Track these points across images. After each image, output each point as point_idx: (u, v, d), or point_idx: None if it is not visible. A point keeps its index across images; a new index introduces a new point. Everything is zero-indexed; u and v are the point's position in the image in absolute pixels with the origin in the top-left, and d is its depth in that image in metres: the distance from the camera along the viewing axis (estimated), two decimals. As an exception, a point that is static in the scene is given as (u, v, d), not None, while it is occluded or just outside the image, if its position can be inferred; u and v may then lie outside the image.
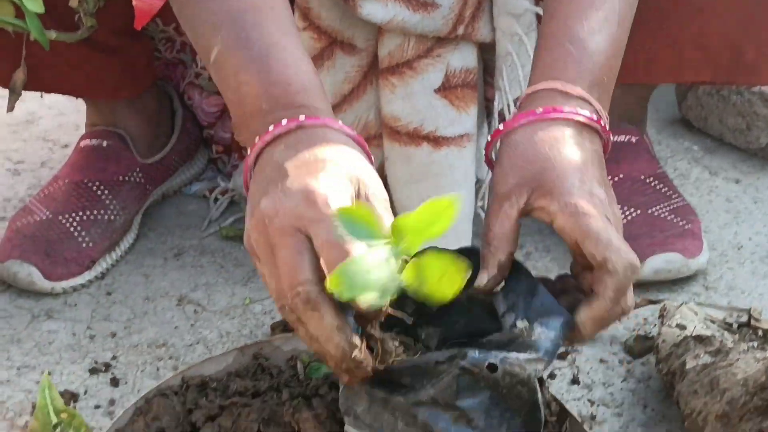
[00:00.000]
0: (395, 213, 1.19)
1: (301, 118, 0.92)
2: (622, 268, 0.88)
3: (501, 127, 0.97)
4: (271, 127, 0.91)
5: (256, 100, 0.94)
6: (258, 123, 0.94)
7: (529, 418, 0.92)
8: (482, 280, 0.93)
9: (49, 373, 1.10)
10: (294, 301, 0.84)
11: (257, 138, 0.92)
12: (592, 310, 0.90)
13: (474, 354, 0.89)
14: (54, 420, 0.97)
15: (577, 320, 0.90)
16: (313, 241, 0.84)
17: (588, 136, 0.97)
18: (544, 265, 1.42)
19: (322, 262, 0.84)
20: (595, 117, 0.97)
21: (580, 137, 0.96)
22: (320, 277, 0.84)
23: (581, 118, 0.96)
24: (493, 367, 0.89)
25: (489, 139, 1.00)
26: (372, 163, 0.93)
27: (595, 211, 0.90)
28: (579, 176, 0.93)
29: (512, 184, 0.94)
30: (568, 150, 0.94)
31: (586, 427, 1.03)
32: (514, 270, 0.97)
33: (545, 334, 0.92)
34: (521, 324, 0.93)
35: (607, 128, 0.99)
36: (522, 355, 0.90)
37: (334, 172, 0.87)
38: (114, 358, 1.26)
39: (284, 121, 0.91)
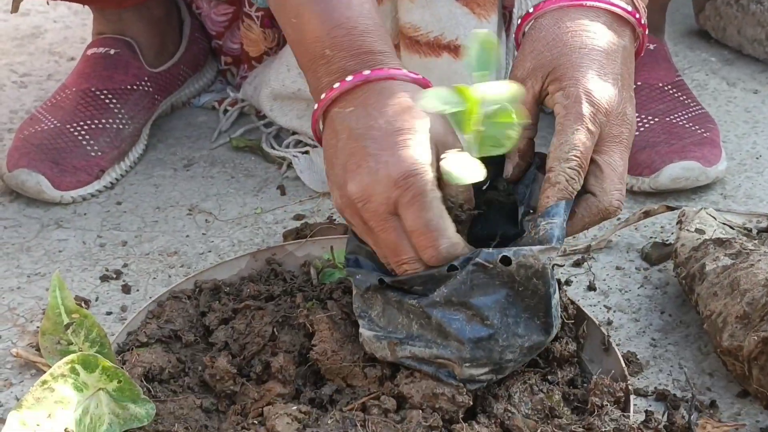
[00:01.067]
0: None
1: (366, 72, 0.91)
2: (557, 187, 0.90)
3: (531, 10, 0.95)
4: (336, 84, 0.91)
5: (318, 44, 0.94)
6: (322, 70, 0.93)
7: (546, 318, 0.91)
8: (507, 170, 0.95)
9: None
10: (406, 270, 0.90)
11: (323, 94, 0.92)
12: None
13: (487, 250, 0.88)
14: (65, 320, 0.96)
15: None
16: (404, 222, 0.88)
17: (619, 30, 0.94)
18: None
19: (414, 242, 0.88)
20: (630, 8, 0.94)
21: (609, 29, 0.93)
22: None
23: (616, 9, 0.93)
24: (507, 261, 0.88)
25: (519, 22, 0.98)
26: None
27: (589, 115, 0.89)
28: (595, 68, 0.91)
29: (528, 68, 0.93)
30: (592, 40, 0.91)
31: (603, 331, 1.02)
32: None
33: (551, 223, 0.90)
34: (528, 219, 0.92)
35: (644, 22, 0.96)
36: (535, 247, 0.88)
37: (415, 146, 0.88)
38: (125, 266, 1.24)
39: (349, 78, 0.91)
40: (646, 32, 0.97)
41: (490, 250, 0.88)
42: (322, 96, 0.93)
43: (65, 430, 0.85)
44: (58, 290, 0.96)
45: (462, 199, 0.91)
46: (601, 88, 0.91)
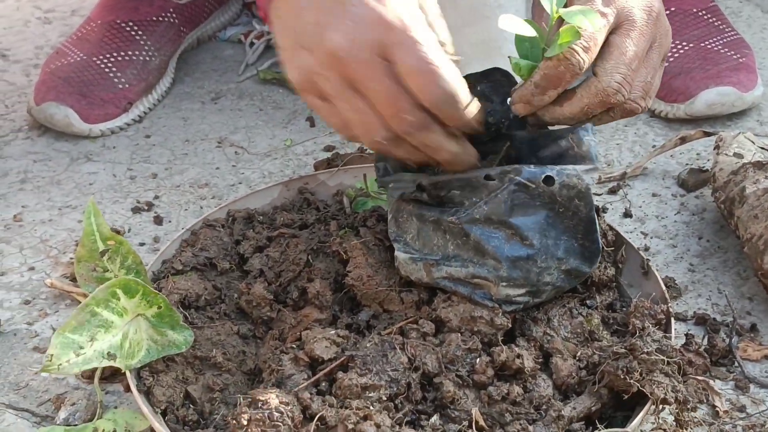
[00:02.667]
0: None
1: None
2: (554, 62, 0.84)
3: None
4: None
5: None
6: None
7: (587, 242, 0.89)
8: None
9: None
10: (404, 128, 0.83)
11: None
12: (518, 90, 0.87)
13: (530, 168, 0.87)
14: (101, 246, 0.96)
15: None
16: (397, 66, 0.81)
17: None
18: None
19: (411, 86, 0.81)
20: None
21: None
22: (416, 100, 0.82)
23: None
24: (549, 180, 0.86)
25: None
26: None
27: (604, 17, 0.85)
28: None
29: None
30: None
31: (642, 255, 1.00)
32: None
33: (593, 140, 0.89)
34: (570, 135, 0.90)
35: None
36: (579, 166, 0.87)
37: (364, 20, 0.81)
38: (156, 197, 1.24)
39: None
40: None
41: (533, 168, 0.87)
42: None
43: (108, 353, 0.85)
44: (93, 217, 0.95)
45: (445, 37, 0.86)
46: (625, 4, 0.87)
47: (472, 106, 0.84)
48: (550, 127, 0.93)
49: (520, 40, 0.87)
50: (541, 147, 0.92)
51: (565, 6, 0.85)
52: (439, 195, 0.89)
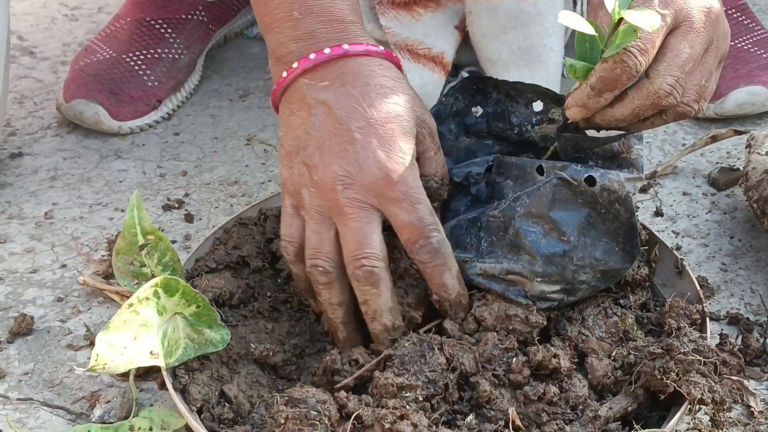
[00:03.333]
0: (482, 67, 1.17)
1: (345, 46, 0.88)
2: (610, 62, 0.84)
3: None
4: (312, 56, 0.88)
5: (285, 4, 0.89)
6: (287, 33, 0.89)
7: (627, 245, 0.89)
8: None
9: (122, 210, 1.07)
10: (356, 271, 0.86)
11: (294, 62, 0.88)
12: (574, 93, 0.87)
13: (575, 167, 0.87)
14: (141, 240, 0.96)
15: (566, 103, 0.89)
16: (392, 221, 0.86)
17: None
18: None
19: (403, 240, 0.86)
20: None
21: None
22: (386, 255, 0.87)
23: None
24: (591, 181, 0.86)
25: None
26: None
27: None
28: None
29: None
30: None
31: (676, 254, 1.00)
32: None
33: (642, 149, 0.89)
34: (622, 140, 0.90)
35: None
36: (623, 173, 0.87)
37: (401, 132, 0.86)
38: (187, 195, 1.24)
39: (327, 50, 0.87)
40: None
41: (578, 167, 0.87)
42: (294, 65, 0.88)
43: (150, 353, 0.85)
44: (136, 209, 0.96)
45: (441, 174, 0.91)
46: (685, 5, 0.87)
47: (456, 276, 0.89)
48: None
49: (580, 40, 0.86)
50: (592, 147, 0.92)
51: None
52: (497, 181, 0.91)
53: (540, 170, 0.88)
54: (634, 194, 1.19)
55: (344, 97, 0.87)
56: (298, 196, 0.89)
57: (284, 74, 0.89)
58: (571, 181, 0.86)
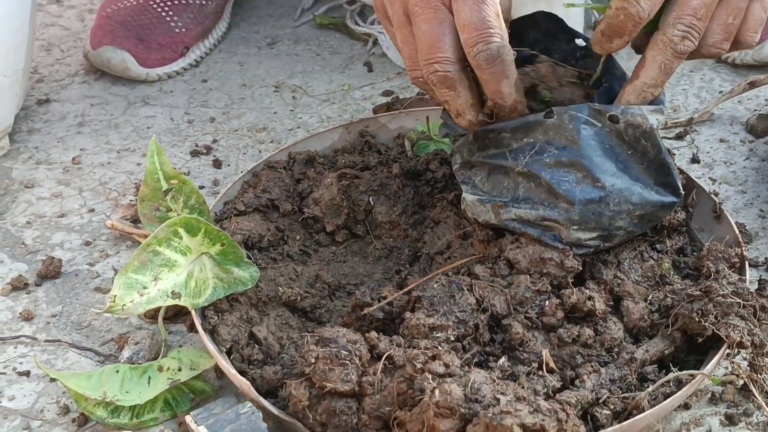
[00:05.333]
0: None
1: None
2: (614, 7, 0.82)
3: None
4: None
5: None
6: None
7: (662, 184, 0.87)
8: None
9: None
10: (430, 77, 0.83)
11: None
12: (597, 29, 0.85)
13: (594, 106, 0.85)
14: (164, 185, 0.95)
15: None
16: (455, 17, 0.82)
17: None
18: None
19: (462, 39, 0.82)
20: None
21: None
22: (458, 56, 0.83)
23: None
24: (614, 119, 0.84)
25: None
26: None
27: None
28: None
29: None
30: None
31: (714, 198, 0.98)
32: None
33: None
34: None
35: None
36: (644, 106, 0.85)
37: None
38: (215, 141, 1.23)
39: None
40: None
41: (597, 105, 0.85)
42: None
43: (172, 292, 0.84)
44: (156, 155, 0.94)
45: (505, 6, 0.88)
46: None
47: (513, 85, 0.84)
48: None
49: None
50: (615, 90, 0.90)
51: None
52: (488, 137, 0.88)
53: (548, 115, 0.85)
54: (662, 133, 1.17)
55: None
56: (384, 8, 0.87)
57: None
58: (594, 122, 0.84)
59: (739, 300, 0.83)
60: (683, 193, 0.89)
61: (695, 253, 0.94)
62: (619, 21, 0.82)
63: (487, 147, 0.89)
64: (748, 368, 0.86)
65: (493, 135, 0.88)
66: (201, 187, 1.15)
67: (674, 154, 1.15)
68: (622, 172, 0.86)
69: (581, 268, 0.88)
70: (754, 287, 0.93)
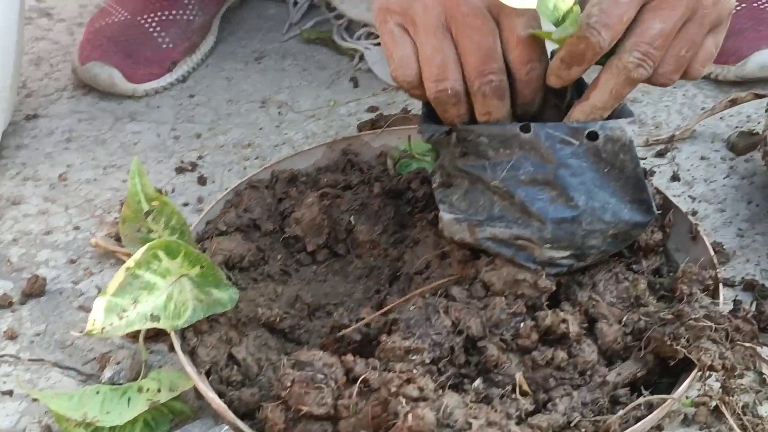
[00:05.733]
0: None
1: None
2: (582, 32, 0.81)
3: None
4: None
5: None
6: None
7: (637, 202, 0.88)
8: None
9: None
10: (483, 87, 0.84)
11: None
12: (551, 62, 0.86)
13: (572, 124, 0.85)
14: (145, 207, 0.96)
15: None
16: (502, 31, 0.83)
17: None
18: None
19: (514, 55, 0.83)
20: None
21: None
22: (504, 68, 0.84)
23: None
24: (593, 135, 0.85)
25: None
26: None
27: None
28: None
29: None
30: None
31: (691, 219, 0.99)
32: None
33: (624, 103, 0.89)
34: None
35: None
36: (621, 119, 0.86)
37: None
38: (200, 157, 1.24)
39: None
40: None
41: (575, 124, 0.86)
42: None
43: (152, 315, 0.85)
44: (137, 177, 0.95)
45: None
46: None
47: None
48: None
49: (543, 3, 0.84)
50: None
51: None
52: (467, 139, 0.88)
53: (525, 129, 0.86)
54: (641, 153, 1.18)
55: None
56: (408, 12, 0.84)
57: None
58: (572, 141, 0.85)
59: (711, 324, 0.84)
60: (657, 211, 0.90)
61: (671, 274, 0.95)
62: (580, 49, 0.82)
63: (467, 154, 0.90)
64: (720, 390, 0.87)
65: (472, 138, 0.88)
66: (185, 204, 1.16)
67: (655, 172, 1.16)
68: (597, 189, 0.87)
69: (555, 288, 0.89)
70: (729, 308, 0.95)
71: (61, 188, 1.20)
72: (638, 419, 0.81)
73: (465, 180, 0.90)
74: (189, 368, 0.86)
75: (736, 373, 0.84)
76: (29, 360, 0.97)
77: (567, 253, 0.88)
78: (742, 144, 1.18)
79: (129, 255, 1.03)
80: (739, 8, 1.32)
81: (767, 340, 0.95)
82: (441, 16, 0.83)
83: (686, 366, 0.84)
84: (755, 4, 1.32)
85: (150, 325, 0.85)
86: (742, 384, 0.89)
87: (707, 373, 0.83)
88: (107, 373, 0.94)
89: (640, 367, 0.85)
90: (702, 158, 1.18)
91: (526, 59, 0.83)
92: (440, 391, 0.81)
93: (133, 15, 1.36)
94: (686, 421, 0.87)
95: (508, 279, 0.88)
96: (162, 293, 0.87)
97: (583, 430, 0.80)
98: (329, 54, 1.42)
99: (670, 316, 0.85)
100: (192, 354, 0.89)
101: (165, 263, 0.87)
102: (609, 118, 0.87)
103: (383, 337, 0.85)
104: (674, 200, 1.10)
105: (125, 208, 0.97)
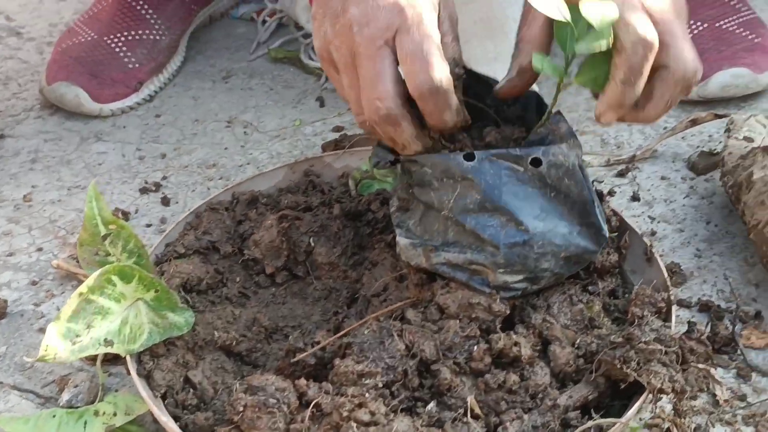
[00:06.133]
0: None
1: None
2: (631, 44, 0.81)
3: None
4: None
5: None
6: None
7: (586, 224, 0.89)
8: (501, 83, 0.89)
9: (100, 192, 1.07)
10: (372, 116, 0.84)
11: None
12: (605, 96, 0.84)
13: (515, 151, 0.86)
14: (102, 231, 0.96)
15: (596, 110, 0.85)
16: (397, 51, 0.83)
17: None
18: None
19: (404, 72, 0.83)
20: None
21: None
22: (400, 91, 0.84)
23: None
24: (537, 162, 0.86)
25: None
26: None
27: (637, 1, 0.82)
28: None
29: None
30: None
31: (646, 240, 1.00)
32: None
33: (566, 123, 0.89)
34: (547, 122, 0.90)
35: None
36: (563, 144, 0.87)
37: (383, 3, 0.83)
38: (164, 178, 1.24)
39: None
40: None
41: (518, 150, 0.86)
42: None
43: (105, 340, 0.85)
44: (94, 201, 0.96)
45: (457, 54, 0.88)
46: None
47: (455, 111, 0.85)
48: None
49: (559, 26, 0.84)
50: (522, 139, 0.92)
51: None
52: (410, 170, 0.89)
53: (469, 157, 0.87)
54: (602, 172, 1.19)
55: None
56: (330, 56, 0.87)
57: None
58: (517, 168, 0.86)
59: (661, 347, 0.84)
60: (607, 235, 0.91)
61: (627, 296, 0.96)
62: (642, 59, 0.82)
63: (413, 183, 0.91)
64: (673, 412, 0.88)
65: (416, 168, 0.89)
66: (149, 225, 1.16)
67: (615, 192, 1.17)
68: (546, 213, 0.88)
69: (509, 312, 0.89)
70: (684, 329, 0.95)
71: (25, 209, 1.20)
72: (588, 442, 0.81)
73: (420, 205, 0.91)
74: (144, 392, 0.86)
75: (687, 396, 0.84)
76: (-12, 383, 0.97)
77: (521, 276, 0.88)
78: (703, 164, 1.19)
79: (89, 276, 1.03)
80: (701, 28, 1.33)
81: (722, 362, 0.95)
82: (348, 55, 0.85)
83: (638, 389, 0.85)
84: (716, 24, 1.33)
85: (104, 349, 0.86)
86: (694, 406, 0.90)
87: (658, 396, 0.84)
88: (65, 396, 0.94)
89: (592, 389, 0.86)
90: (662, 178, 1.19)
91: (414, 73, 0.82)
92: (392, 416, 0.81)
93: (100, 35, 1.37)
94: (639, 443, 0.88)
95: (462, 302, 0.89)
96: (116, 318, 0.87)
97: (534, 453, 0.81)
98: (296, 73, 1.43)
99: (620, 339, 0.85)
100: (148, 377, 0.89)
101: (120, 287, 0.88)
102: (552, 142, 0.88)
103: (337, 361, 0.85)
104: (634, 220, 1.11)
105: (82, 231, 0.97)
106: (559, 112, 0.91)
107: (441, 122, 0.86)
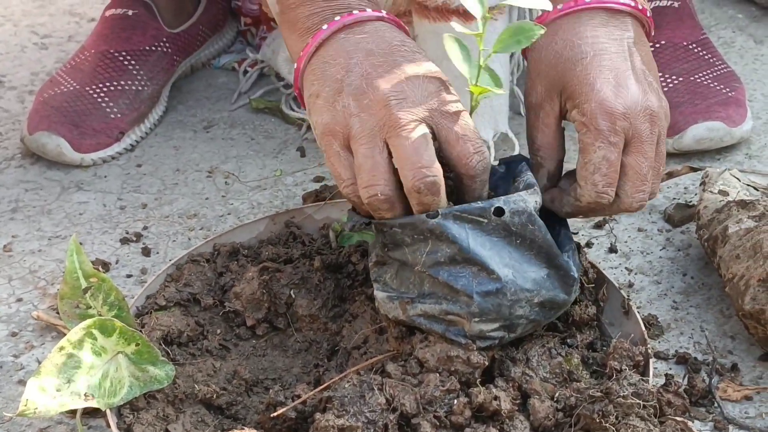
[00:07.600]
0: None
1: (355, 12, 0.90)
2: (585, 201, 0.92)
3: None
4: (338, 18, 0.90)
5: None
6: (321, 5, 0.91)
7: (553, 268, 0.90)
8: (564, 210, 0.95)
9: (80, 243, 1.08)
10: (418, 183, 0.86)
11: (325, 25, 0.90)
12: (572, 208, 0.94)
13: (477, 204, 0.88)
14: (83, 284, 0.96)
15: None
16: (442, 133, 0.87)
17: (618, 22, 0.93)
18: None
19: (401, 176, 0.86)
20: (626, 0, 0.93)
21: (607, 26, 0.93)
22: (395, 179, 0.87)
23: (608, 4, 0.92)
24: (500, 211, 0.87)
25: None
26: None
27: (607, 128, 0.89)
28: (603, 74, 0.91)
29: (541, 92, 0.94)
30: (591, 46, 0.92)
31: (623, 293, 1.01)
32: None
33: (530, 174, 0.92)
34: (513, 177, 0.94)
35: (642, 6, 0.94)
36: (521, 192, 0.89)
37: (416, 82, 0.87)
38: (145, 228, 1.24)
39: (356, 12, 0.90)
40: (648, 14, 0.95)
41: (480, 203, 0.88)
42: (324, 26, 0.90)
43: (85, 395, 0.85)
44: (75, 254, 0.96)
45: None
46: (614, 95, 0.89)
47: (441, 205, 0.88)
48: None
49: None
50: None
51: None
52: (383, 230, 0.90)
53: (431, 216, 0.88)
54: (579, 224, 1.20)
55: (384, 43, 0.89)
56: (346, 129, 0.88)
57: (324, 27, 0.90)
58: (481, 220, 0.87)
59: (639, 401, 0.85)
60: (576, 275, 0.92)
61: (605, 349, 0.97)
62: (597, 207, 0.93)
63: (387, 243, 0.92)
64: (651, 466, 0.89)
65: (387, 230, 0.90)
66: (129, 276, 1.17)
67: (593, 244, 1.18)
68: (514, 261, 0.89)
69: (488, 364, 0.90)
70: (661, 381, 0.96)
71: (5, 259, 1.20)
72: (567, 497, 0.82)
73: (394, 264, 0.92)
74: (123, 447, 0.86)
75: (664, 449, 0.85)
76: (-34, 436, 0.97)
77: (496, 324, 0.89)
78: (679, 216, 1.21)
79: (69, 330, 1.03)
80: (676, 82, 1.35)
81: (699, 414, 0.96)
82: (375, 127, 0.86)
83: (616, 443, 0.85)
84: (692, 78, 1.35)
85: (84, 404, 0.86)
86: (672, 458, 0.91)
87: (636, 450, 0.84)
88: (44, 450, 0.94)
89: (571, 444, 0.86)
90: (639, 230, 1.21)
91: (409, 177, 0.85)
92: (372, 470, 0.82)
93: (82, 85, 1.38)
94: (617, 497, 0.88)
95: (441, 355, 0.89)
96: (97, 371, 0.87)
97: (513, 508, 0.81)
98: (277, 123, 1.44)
99: (599, 394, 0.86)
100: (128, 431, 0.89)
101: (100, 341, 0.88)
102: (515, 190, 0.91)
103: (318, 415, 0.85)
104: (611, 272, 1.13)
105: (63, 285, 0.97)
106: (527, 161, 0.94)
107: (478, 197, 0.90)
